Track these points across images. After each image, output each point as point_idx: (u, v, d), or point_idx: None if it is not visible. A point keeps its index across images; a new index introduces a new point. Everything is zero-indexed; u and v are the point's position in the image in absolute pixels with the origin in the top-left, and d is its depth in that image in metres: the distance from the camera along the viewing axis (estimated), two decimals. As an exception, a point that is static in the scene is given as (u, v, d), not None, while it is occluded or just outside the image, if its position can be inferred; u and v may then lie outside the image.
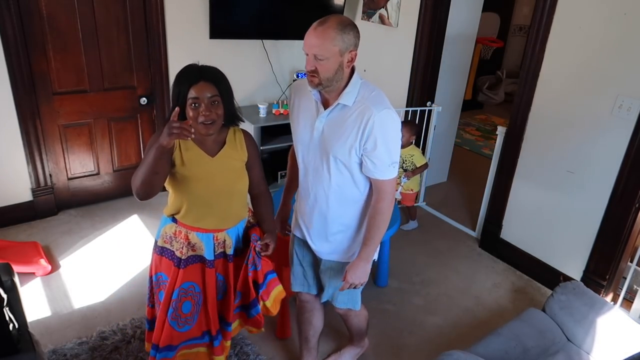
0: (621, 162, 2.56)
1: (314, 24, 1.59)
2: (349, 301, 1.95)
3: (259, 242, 1.80)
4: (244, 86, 4.01)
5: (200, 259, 1.76)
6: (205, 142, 1.71)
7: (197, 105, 1.58)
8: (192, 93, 1.57)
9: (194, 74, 1.60)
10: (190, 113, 1.59)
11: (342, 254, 1.85)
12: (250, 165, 1.82)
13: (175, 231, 1.76)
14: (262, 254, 1.82)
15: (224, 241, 1.79)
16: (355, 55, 1.61)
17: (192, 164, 1.68)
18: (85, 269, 2.90)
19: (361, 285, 1.79)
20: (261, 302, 1.90)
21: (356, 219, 1.80)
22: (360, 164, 1.68)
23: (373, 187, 1.72)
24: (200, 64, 1.65)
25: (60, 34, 3.09)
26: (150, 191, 1.62)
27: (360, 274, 1.74)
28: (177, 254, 1.74)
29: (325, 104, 1.69)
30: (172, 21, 3.45)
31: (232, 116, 1.72)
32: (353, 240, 1.83)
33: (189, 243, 1.74)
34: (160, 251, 1.77)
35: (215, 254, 1.77)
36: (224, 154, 1.73)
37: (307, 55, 1.59)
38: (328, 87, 1.61)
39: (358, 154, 1.65)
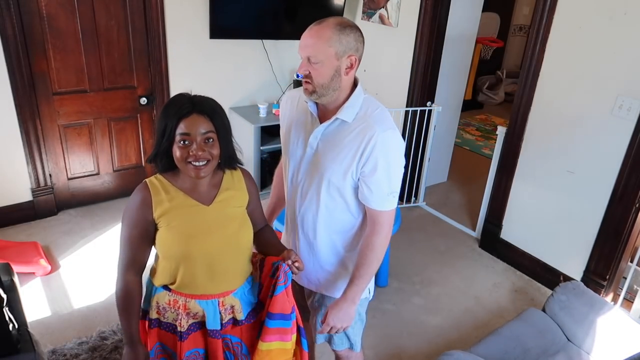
0: (621, 162, 2.56)
1: (311, 25, 1.42)
2: (347, 341, 1.68)
3: (289, 260, 1.40)
4: (244, 86, 4.01)
5: (205, 325, 1.44)
6: (196, 188, 1.39)
7: (186, 142, 1.29)
8: (181, 127, 1.28)
9: (185, 104, 1.30)
10: (177, 152, 1.30)
11: (328, 288, 1.63)
12: (252, 208, 1.52)
13: (170, 300, 1.42)
14: (294, 275, 1.42)
15: (232, 306, 1.45)
16: (356, 61, 1.41)
17: (182, 219, 1.36)
18: (85, 269, 2.90)
19: (343, 329, 1.53)
20: (258, 348, 1.43)
21: (347, 249, 1.59)
22: (356, 189, 1.48)
23: (368, 217, 1.51)
24: (192, 94, 1.36)
25: (60, 34, 3.09)
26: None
27: (343, 317, 1.49)
28: (176, 326, 1.43)
29: (322, 118, 1.49)
30: (172, 21, 3.45)
31: (229, 158, 1.41)
32: (341, 274, 1.60)
33: (188, 313, 1.41)
34: (156, 324, 1.45)
35: (223, 322, 1.44)
36: (222, 199, 1.42)
37: (302, 58, 1.41)
38: (324, 97, 1.42)
39: (354, 178, 1.45)
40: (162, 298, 1.43)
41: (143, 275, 1.42)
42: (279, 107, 3.90)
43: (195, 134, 1.29)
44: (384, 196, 1.45)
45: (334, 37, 1.37)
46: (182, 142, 1.29)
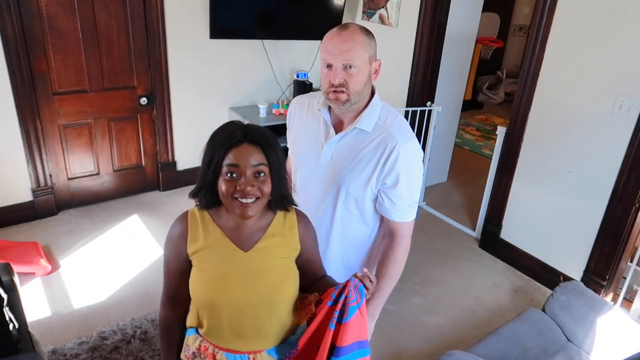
0: (621, 162, 2.56)
1: (334, 30, 1.34)
2: None
3: (362, 271, 1.18)
4: (244, 86, 4.01)
5: None
6: (239, 230, 1.23)
7: (234, 175, 1.14)
8: (229, 158, 1.14)
9: (235, 133, 1.16)
10: (223, 186, 1.15)
11: None
12: (307, 259, 1.31)
13: (200, 346, 1.29)
14: (367, 294, 1.18)
15: None
16: (380, 65, 1.39)
17: (213, 261, 1.22)
18: (85, 269, 2.90)
19: None
20: None
21: (361, 263, 1.54)
22: (375, 200, 1.43)
23: (387, 229, 1.47)
24: (245, 122, 1.22)
25: (60, 34, 3.09)
26: None
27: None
28: None
29: (337, 127, 1.43)
30: (172, 21, 3.45)
31: (281, 197, 1.24)
32: None
33: None
34: None
35: None
36: (264, 246, 1.24)
37: (331, 66, 1.33)
38: (354, 105, 1.36)
39: (374, 190, 1.40)
40: (192, 342, 1.29)
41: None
42: (278, 107, 3.93)
43: (244, 166, 1.14)
44: (406, 207, 1.42)
45: (366, 41, 1.33)
46: (229, 175, 1.15)
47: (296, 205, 1.31)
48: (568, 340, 2.11)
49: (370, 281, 1.17)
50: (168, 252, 1.28)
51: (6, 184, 3.18)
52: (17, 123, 3.08)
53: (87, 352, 2.27)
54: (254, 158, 1.15)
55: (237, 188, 1.14)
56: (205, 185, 1.20)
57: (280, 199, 1.24)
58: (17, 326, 1.71)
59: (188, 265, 1.25)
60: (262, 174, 1.16)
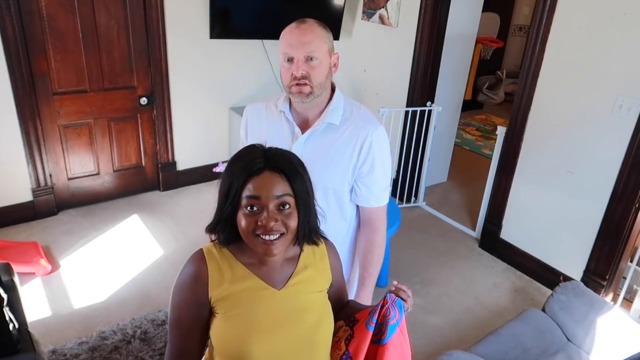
0: (621, 162, 2.56)
1: (293, 25, 1.36)
2: None
3: (393, 285, 1.11)
4: (244, 86, 4.01)
5: None
6: (266, 266, 1.09)
7: (255, 208, 1.01)
8: (249, 189, 1.00)
9: (256, 159, 1.02)
10: (243, 221, 1.01)
11: None
12: (337, 289, 1.21)
13: None
14: (406, 307, 1.11)
15: None
16: (338, 58, 1.40)
17: (245, 307, 1.05)
18: (85, 269, 2.90)
19: None
20: None
21: (345, 260, 1.53)
22: (351, 192, 1.46)
23: (363, 218, 1.49)
24: (267, 146, 1.07)
25: (60, 34, 3.09)
26: None
27: None
28: None
29: (303, 127, 1.43)
30: (172, 21, 3.45)
31: (310, 231, 1.10)
32: None
33: None
34: None
35: None
36: (298, 281, 1.11)
37: (292, 60, 1.33)
38: (318, 98, 1.37)
39: (351, 181, 1.43)
40: None
41: None
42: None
43: (266, 197, 1.00)
44: (381, 192, 1.46)
45: (325, 34, 1.35)
46: (249, 208, 1.00)
47: (326, 238, 1.19)
48: (568, 340, 2.11)
49: (405, 292, 1.10)
50: (179, 300, 1.07)
51: (6, 184, 3.18)
52: (17, 123, 3.09)
53: (87, 352, 2.27)
54: (278, 188, 1.00)
55: (259, 224, 0.99)
56: (224, 220, 1.05)
57: (309, 233, 1.10)
58: (17, 326, 1.71)
59: (206, 315, 1.07)
60: (287, 205, 1.02)
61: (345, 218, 1.51)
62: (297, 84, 1.34)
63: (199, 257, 1.09)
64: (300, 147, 1.41)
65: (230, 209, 1.03)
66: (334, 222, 1.48)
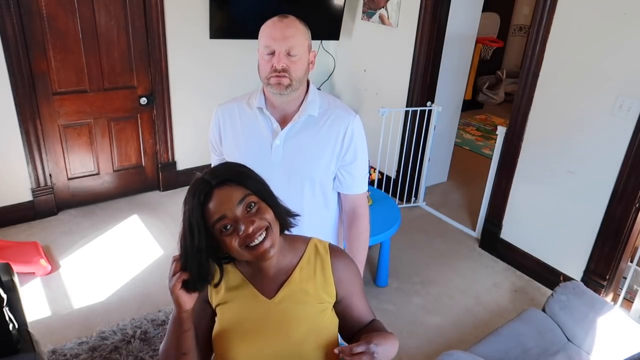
0: (621, 162, 2.56)
1: (275, 19, 1.38)
2: None
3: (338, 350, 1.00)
4: (244, 86, 3.99)
5: None
6: (261, 273, 1.09)
7: (230, 226, 1.00)
8: (211, 214, 1.00)
9: (201, 189, 1.01)
10: (227, 243, 1.01)
11: None
12: (347, 305, 1.13)
13: None
14: None
15: None
16: (315, 56, 1.44)
17: (234, 313, 1.09)
18: (85, 269, 2.90)
19: None
20: None
21: None
22: (334, 180, 1.49)
23: (346, 207, 1.52)
24: (204, 171, 1.06)
25: (60, 34, 3.09)
26: None
27: None
28: None
29: (281, 123, 1.44)
30: (172, 21, 3.45)
31: (285, 213, 1.11)
32: None
33: None
34: None
35: None
36: (289, 292, 1.09)
37: (273, 53, 1.34)
38: (295, 92, 1.39)
39: (334, 170, 1.46)
40: None
41: None
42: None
43: (231, 210, 0.99)
44: (362, 179, 1.51)
45: (306, 30, 1.39)
46: (223, 229, 1.00)
47: (297, 215, 1.15)
48: (568, 340, 2.11)
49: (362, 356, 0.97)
50: None
51: (6, 183, 3.18)
52: (17, 123, 3.09)
53: (87, 352, 2.27)
54: (234, 196, 1.00)
55: (241, 235, 0.99)
56: (193, 258, 1.02)
57: (285, 215, 1.10)
58: (17, 326, 1.71)
59: (210, 312, 1.11)
60: (253, 204, 1.01)
61: (330, 207, 1.55)
62: (276, 76, 1.35)
63: None
64: (281, 142, 1.42)
65: (199, 245, 1.00)
66: (320, 211, 1.52)
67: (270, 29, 1.36)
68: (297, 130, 1.43)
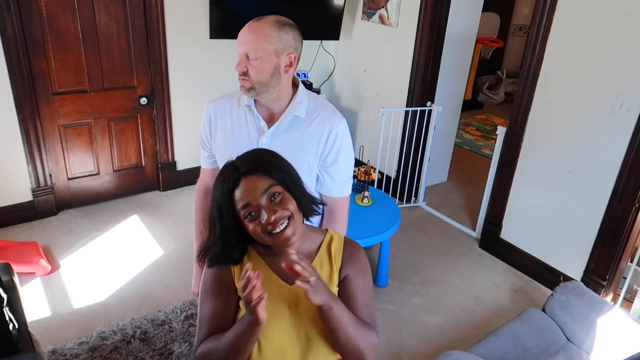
0: (621, 162, 2.56)
1: (250, 21, 1.41)
2: None
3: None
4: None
5: None
6: (281, 260, 1.10)
7: (253, 213, 1.07)
8: (237, 201, 1.07)
9: (229, 174, 1.09)
10: (250, 227, 1.08)
11: None
12: (344, 292, 1.18)
13: None
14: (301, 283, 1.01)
15: None
16: (295, 59, 1.41)
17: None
18: (85, 269, 2.90)
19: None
20: None
21: None
22: (316, 181, 1.51)
23: (327, 207, 1.52)
24: (235, 157, 1.13)
25: (60, 34, 3.09)
26: None
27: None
28: None
29: (269, 120, 1.46)
30: (172, 21, 3.45)
31: (309, 202, 1.16)
32: None
33: None
34: None
35: None
36: None
37: (239, 54, 1.38)
38: (262, 95, 1.40)
39: (316, 170, 1.47)
40: None
41: None
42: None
43: (255, 199, 1.06)
44: (344, 182, 1.51)
45: (274, 34, 1.37)
46: (248, 216, 1.07)
47: (319, 207, 1.21)
48: (568, 340, 2.11)
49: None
50: (209, 289, 1.16)
51: (6, 184, 3.18)
52: (17, 123, 3.08)
53: (87, 352, 2.27)
54: (259, 186, 1.07)
55: (263, 223, 1.06)
56: (220, 237, 1.11)
57: (309, 203, 1.15)
58: (17, 326, 1.71)
59: (236, 300, 1.15)
60: (277, 194, 1.08)
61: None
62: (241, 79, 1.39)
63: None
64: (267, 140, 1.45)
65: (228, 225, 1.09)
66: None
67: (240, 31, 1.40)
68: (282, 130, 1.45)
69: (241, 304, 1.13)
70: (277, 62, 1.38)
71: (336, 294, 1.16)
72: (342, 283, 1.18)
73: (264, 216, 1.06)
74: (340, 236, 1.24)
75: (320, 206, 1.20)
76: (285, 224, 1.08)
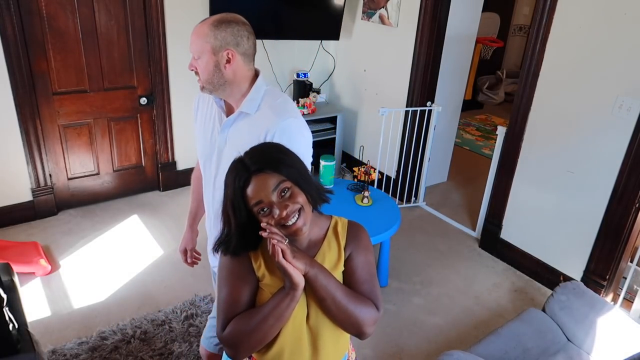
0: (621, 162, 2.56)
1: None
2: None
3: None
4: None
5: None
6: (294, 245, 1.18)
7: (266, 209, 1.12)
8: (250, 199, 1.12)
9: (239, 174, 1.13)
10: (264, 221, 1.13)
11: None
12: (350, 268, 1.23)
13: None
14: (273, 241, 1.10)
15: None
16: (234, 55, 1.42)
17: (273, 282, 1.18)
18: (85, 269, 2.90)
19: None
20: None
21: None
22: None
23: None
24: (242, 153, 1.18)
25: (60, 34, 3.09)
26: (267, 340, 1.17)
27: None
28: None
29: (229, 112, 1.53)
30: (172, 21, 3.45)
31: (318, 194, 1.21)
32: None
33: None
34: None
35: None
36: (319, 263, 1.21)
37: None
38: (215, 92, 1.48)
39: None
40: None
41: None
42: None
43: (266, 196, 1.11)
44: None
45: (210, 33, 1.42)
46: (261, 212, 1.12)
47: (328, 198, 1.25)
48: (568, 340, 2.11)
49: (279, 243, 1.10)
50: (230, 275, 1.19)
51: (6, 183, 3.18)
52: (17, 123, 3.09)
53: (87, 352, 2.27)
54: (269, 183, 1.11)
55: (276, 218, 1.11)
56: (235, 231, 1.15)
57: (318, 194, 1.20)
58: (17, 326, 1.71)
59: (257, 285, 1.19)
60: (287, 189, 1.12)
61: None
62: (198, 78, 1.47)
63: None
64: (225, 132, 1.51)
65: (242, 220, 1.14)
66: None
67: None
68: (231, 123, 1.50)
69: (262, 285, 1.18)
70: (215, 59, 1.42)
71: (341, 277, 1.22)
72: (346, 261, 1.24)
73: (276, 211, 1.10)
74: (344, 220, 1.29)
75: (329, 195, 1.24)
76: (297, 216, 1.12)
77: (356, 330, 1.18)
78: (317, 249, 1.22)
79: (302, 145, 1.43)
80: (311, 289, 1.14)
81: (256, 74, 1.51)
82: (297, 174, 1.15)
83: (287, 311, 1.12)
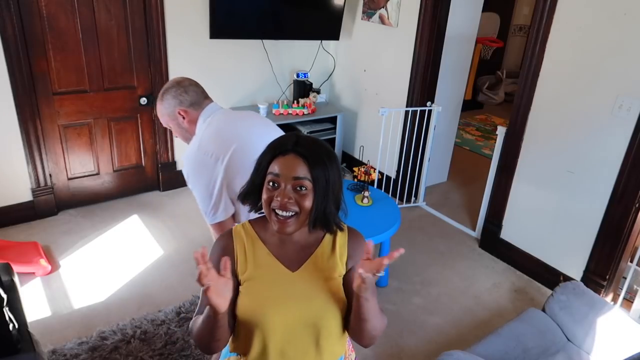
0: (621, 162, 2.56)
1: None
2: None
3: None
4: (244, 86, 4.01)
5: None
6: (285, 247, 1.19)
7: (275, 185, 1.11)
8: (273, 167, 1.11)
9: (287, 142, 1.12)
10: (264, 194, 1.13)
11: None
12: (350, 278, 1.19)
13: None
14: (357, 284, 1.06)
15: None
16: (185, 112, 1.75)
17: (262, 286, 1.17)
18: (85, 269, 2.90)
19: None
20: None
21: None
22: None
23: None
24: (301, 134, 1.18)
25: (60, 34, 3.09)
26: (215, 350, 1.17)
27: None
28: None
29: None
30: (172, 21, 3.45)
31: (324, 216, 1.15)
32: None
33: None
34: None
35: None
36: (311, 266, 1.19)
37: None
38: (189, 140, 1.80)
39: None
40: None
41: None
42: (278, 107, 3.93)
43: (285, 177, 1.09)
44: (203, 211, 1.71)
45: (160, 107, 1.79)
46: (270, 184, 1.11)
47: (342, 229, 1.22)
48: (568, 340, 2.11)
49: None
50: (212, 261, 1.18)
51: (6, 184, 3.18)
52: (17, 123, 3.08)
53: (87, 352, 2.27)
54: (297, 171, 1.09)
55: (275, 198, 1.09)
56: (252, 190, 1.17)
57: (323, 218, 1.14)
58: (17, 326, 1.71)
59: (237, 285, 1.17)
60: (304, 188, 1.09)
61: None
62: None
63: (228, 234, 1.23)
64: None
65: (258, 182, 1.15)
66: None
67: None
68: None
69: (241, 288, 1.17)
70: (176, 122, 1.79)
71: (340, 283, 1.19)
72: (348, 273, 1.21)
73: (279, 194, 1.09)
74: (336, 230, 1.25)
75: (333, 226, 1.20)
76: (290, 215, 1.11)
77: (370, 342, 1.19)
78: (309, 253, 1.20)
79: (190, 175, 1.70)
80: (357, 308, 1.11)
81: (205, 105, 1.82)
82: (323, 184, 1.11)
83: (215, 331, 1.09)
